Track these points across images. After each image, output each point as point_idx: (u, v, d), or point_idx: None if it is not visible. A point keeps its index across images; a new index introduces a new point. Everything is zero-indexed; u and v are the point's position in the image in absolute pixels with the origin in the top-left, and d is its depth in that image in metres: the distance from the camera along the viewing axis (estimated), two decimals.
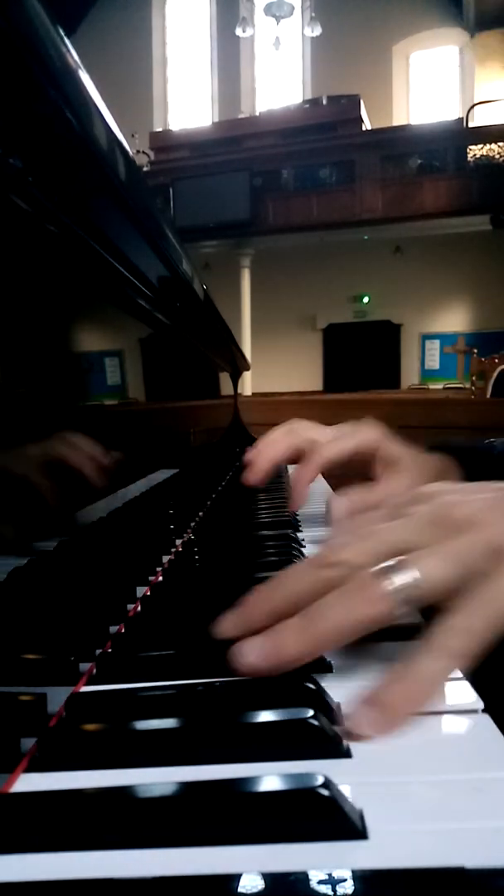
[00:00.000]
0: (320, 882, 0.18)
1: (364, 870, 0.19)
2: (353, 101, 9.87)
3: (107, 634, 0.39)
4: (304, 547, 0.62)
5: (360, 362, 10.56)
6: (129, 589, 0.47)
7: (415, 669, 0.29)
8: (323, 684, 0.30)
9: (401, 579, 0.30)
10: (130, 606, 0.45)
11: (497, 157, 8.63)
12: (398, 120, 11.23)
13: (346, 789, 0.22)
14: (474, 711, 0.29)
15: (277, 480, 1.18)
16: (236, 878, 0.19)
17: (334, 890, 0.18)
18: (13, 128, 0.34)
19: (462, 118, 9.45)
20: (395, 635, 0.33)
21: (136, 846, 0.20)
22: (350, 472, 0.56)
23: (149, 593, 0.48)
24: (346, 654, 0.35)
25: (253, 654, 0.30)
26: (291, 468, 1.37)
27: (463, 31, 11.17)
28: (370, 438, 0.50)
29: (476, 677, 0.31)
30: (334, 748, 0.25)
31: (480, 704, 0.29)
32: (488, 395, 5.46)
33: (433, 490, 0.36)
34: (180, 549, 0.65)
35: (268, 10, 10.98)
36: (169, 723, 0.27)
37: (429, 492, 0.36)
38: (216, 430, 1.46)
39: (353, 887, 0.18)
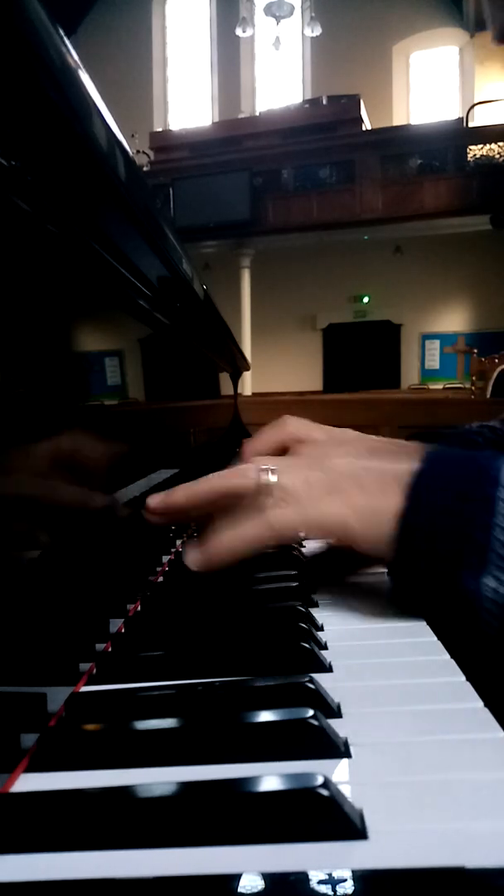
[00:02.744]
0: (320, 882, 0.18)
1: (364, 870, 0.19)
2: (353, 101, 9.87)
3: (107, 634, 0.39)
4: (304, 547, 0.62)
5: (360, 362, 10.56)
6: (130, 589, 0.47)
7: (240, 528, 0.43)
8: (323, 684, 0.30)
9: (264, 476, 0.44)
10: (130, 606, 0.45)
11: (497, 157, 8.63)
12: (398, 120, 11.22)
13: (346, 789, 0.22)
14: (475, 711, 0.29)
15: None
16: (236, 878, 0.19)
17: (334, 890, 0.18)
18: (13, 128, 0.34)
19: (462, 118, 9.45)
20: None
21: (136, 846, 0.20)
22: None
23: (149, 593, 0.48)
24: (346, 655, 0.35)
25: (153, 501, 0.48)
26: None
27: (463, 31, 11.17)
28: (287, 430, 0.54)
29: (476, 677, 0.31)
30: (334, 748, 0.25)
31: (480, 704, 0.29)
32: (488, 395, 5.46)
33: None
34: (180, 549, 0.65)
35: (268, 10, 10.97)
36: (169, 723, 0.27)
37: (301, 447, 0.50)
38: (216, 430, 1.46)
39: (353, 887, 0.18)
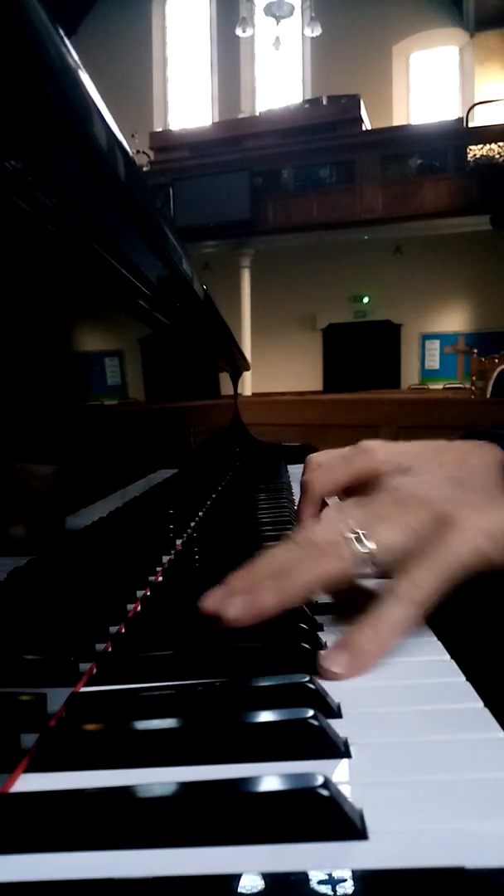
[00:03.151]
0: (320, 882, 0.18)
1: (364, 870, 0.19)
2: (353, 101, 9.87)
3: (107, 634, 0.39)
4: None
5: (360, 362, 10.56)
6: (129, 589, 0.47)
7: (382, 616, 0.35)
8: (323, 684, 0.30)
9: (361, 548, 0.37)
10: (130, 606, 0.45)
11: (497, 157, 8.63)
12: (398, 120, 11.22)
13: (346, 789, 0.22)
14: (475, 711, 0.29)
15: (277, 479, 1.18)
16: (236, 878, 0.19)
17: (334, 890, 0.18)
18: (13, 128, 0.34)
19: (462, 118, 9.45)
20: None
21: (136, 846, 0.20)
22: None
23: (149, 593, 0.48)
24: None
25: (235, 609, 0.37)
26: (292, 467, 1.37)
27: (463, 31, 11.17)
28: (364, 465, 0.48)
29: (476, 677, 0.31)
30: (334, 748, 0.25)
31: (480, 704, 0.29)
32: (488, 395, 5.46)
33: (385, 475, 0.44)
34: (180, 549, 0.65)
35: (268, 10, 10.97)
36: (169, 723, 0.27)
37: (383, 480, 0.43)
38: (216, 430, 1.46)
39: (353, 887, 0.18)
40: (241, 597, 0.37)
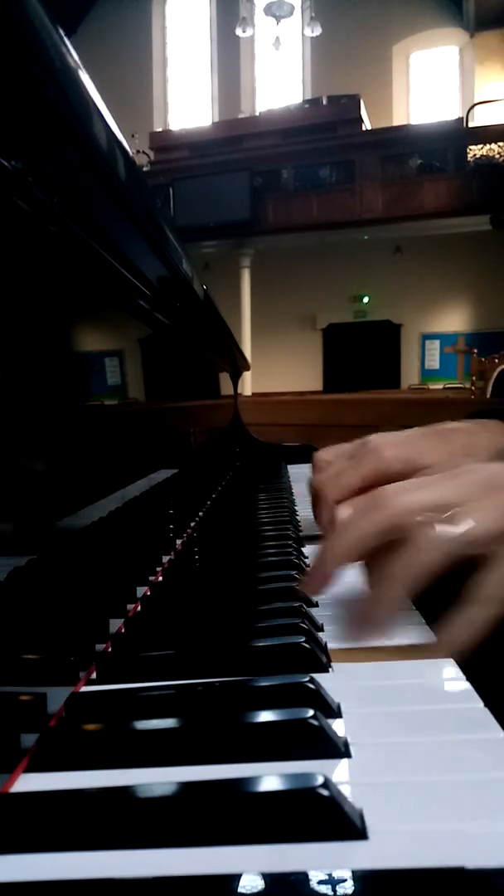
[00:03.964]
0: (320, 882, 0.18)
1: (364, 870, 0.19)
2: (353, 101, 9.86)
3: (107, 634, 0.39)
4: (304, 546, 0.62)
5: (360, 362, 10.55)
6: (130, 589, 0.47)
7: (466, 616, 0.34)
8: (323, 684, 0.30)
9: (455, 530, 0.34)
10: (130, 606, 0.45)
11: (497, 157, 8.63)
12: (398, 120, 11.22)
13: (346, 789, 0.22)
14: (475, 711, 0.29)
15: (277, 479, 1.18)
16: (236, 878, 0.19)
17: (334, 890, 0.18)
18: (13, 128, 0.34)
19: (462, 118, 9.44)
20: None
21: (136, 846, 0.20)
22: None
23: (149, 593, 0.48)
24: (346, 656, 0.35)
25: (359, 632, 0.37)
26: (292, 467, 1.37)
27: (463, 31, 11.16)
28: (376, 466, 0.45)
29: (476, 677, 0.31)
30: (334, 748, 0.25)
31: (480, 704, 0.29)
32: (488, 395, 5.46)
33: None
34: (180, 549, 0.65)
35: (268, 10, 10.97)
36: (169, 723, 0.27)
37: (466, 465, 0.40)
38: (216, 430, 1.46)
39: (353, 887, 0.18)
40: (357, 620, 0.38)
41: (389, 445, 0.46)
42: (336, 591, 0.42)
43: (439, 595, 0.36)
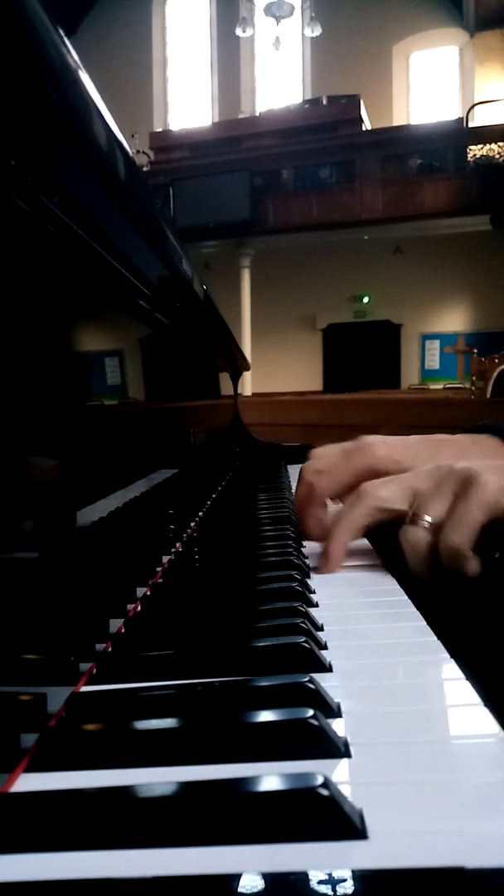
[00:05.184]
0: (320, 882, 0.18)
1: (364, 870, 0.19)
2: (353, 101, 9.87)
3: (107, 634, 0.39)
4: (304, 546, 0.62)
5: (360, 362, 10.55)
6: (130, 589, 0.47)
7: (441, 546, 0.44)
8: (323, 684, 0.30)
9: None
10: (130, 606, 0.45)
11: (497, 157, 8.63)
12: (398, 120, 11.22)
13: (345, 789, 0.22)
14: (475, 711, 0.29)
15: (277, 479, 1.18)
16: (236, 878, 0.19)
17: (334, 890, 0.18)
18: (13, 128, 0.34)
19: (462, 118, 9.45)
20: None
21: (136, 846, 0.20)
22: None
23: (149, 593, 0.48)
24: (346, 656, 0.35)
25: (324, 566, 0.50)
26: (292, 467, 1.37)
27: (463, 31, 11.17)
28: (365, 461, 0.52)
29: (477, 677, 0.31)
30: (334, 748, 0.25)
31: (481, 704, 0.29)
32: (488, 395, 5.46)
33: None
34: (180, 549, 0.65)
35: (268, 10, 10.97)
36: (169, 723, 0.27)
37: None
38: (216, 430, 1.46)
39: (352, 887, 0.18)
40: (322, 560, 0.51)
41: (382, 446, 0.52)
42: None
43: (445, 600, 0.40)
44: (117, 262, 0.57)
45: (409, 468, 0.49)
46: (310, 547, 0.61)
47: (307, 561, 0.57)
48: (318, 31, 10.96)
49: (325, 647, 0.36)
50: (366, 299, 10.65)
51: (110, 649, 0.37)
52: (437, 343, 10.43)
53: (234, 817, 0.21)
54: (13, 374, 0.41)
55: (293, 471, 1.29)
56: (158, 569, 0.56)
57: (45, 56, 0.31)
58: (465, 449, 0.55)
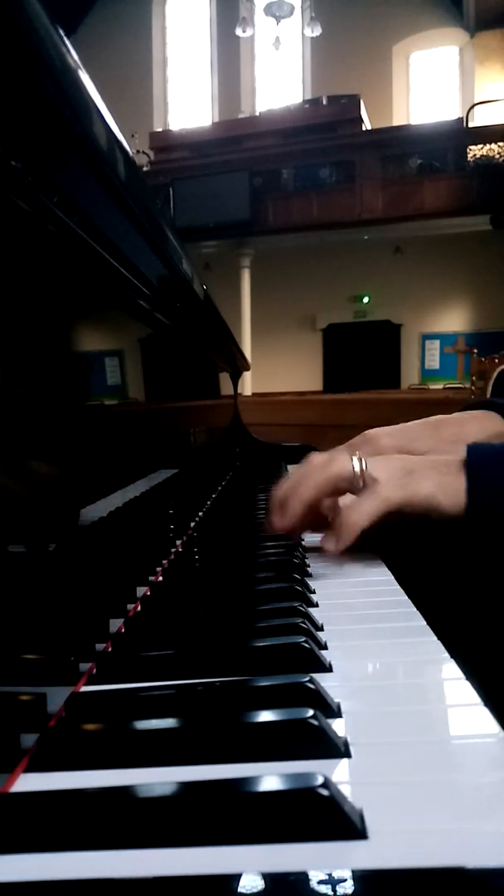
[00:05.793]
0: (320, 882, 0.18)
1: (364, 870, 0.19)
2: (353, 101, 9.86)
3: (107, 634, 0.39)
4: (304, 544, 0.62)
5: (360, 362, 10.54)
6: (130, 589, 0.47)
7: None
8: (323, 684, 0.30)
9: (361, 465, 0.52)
10: (130, 606, 0.45)
11: (497, 157, 8.62)
12: (398, 120, 11.21)
13: (346, 789, 0.22)
14: (475, 711, 0.29)
15: (277, 480, 1.18)
16: (236, 878, 0.19)
17: (334, 890, 0.18)
18: (13, 128, 0.34)
19: (462, 118, 9.44)
20: None
21: (136, 846, 0.20)
22: None
23: (149, 593, 0.48)
24: (346, 656, 0.35)
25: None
26: (292, 467, 1.37)
27: (463, 31, 11.16)
28: (369, 451, 0.57)
29: (476, 677, 0.31)
30: (334, 748, 0.25)
31: (481, 704, 0.29)
32: (488, 395, 5.46)
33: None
34: (180, 549, 0.65)
35: (268, 10, 10.96)
36: (169, 723, 0.27)
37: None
38: (216, 430, 1.46)
39: (352, 887, 0.18)
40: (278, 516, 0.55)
41: (385, 435, 0.57)
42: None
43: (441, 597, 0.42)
44: (117, 262, 0.57)
45: (416, 453, 0.54)
46: (310, 546, 0.61)
47: (307, 561, 0.57)
48: (318, 31, 10.95)
49: (325, 647, 0.36)
50: (366, 299, 10.64)
51: (110, 649, 0.37)
52: (437, 343, 10.42)
53: (234, 817, 0.21)
54: (14, 374, 0.41)
55: (293, 471, 1.29)
56: (158, 568, 0.56)
57: (45, 56, 0.31)
58: (464, 424, 0.60)
